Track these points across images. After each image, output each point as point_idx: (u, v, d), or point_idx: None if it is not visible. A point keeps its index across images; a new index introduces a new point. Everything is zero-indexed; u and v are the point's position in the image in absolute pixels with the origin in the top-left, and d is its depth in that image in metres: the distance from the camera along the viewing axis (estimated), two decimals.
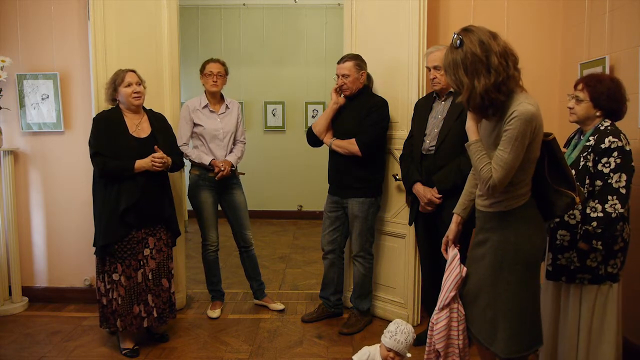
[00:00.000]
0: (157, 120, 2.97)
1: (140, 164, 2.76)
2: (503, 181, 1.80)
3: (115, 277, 2.78)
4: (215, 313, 3.43)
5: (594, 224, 2.16)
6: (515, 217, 1.89)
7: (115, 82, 2.83)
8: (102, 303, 2.84)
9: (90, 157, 2.77)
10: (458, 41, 1.77)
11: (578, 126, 2.38)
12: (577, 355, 2.30)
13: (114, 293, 2.79)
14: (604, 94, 2.21)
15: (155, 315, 2.87)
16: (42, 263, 3.69)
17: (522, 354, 1.90)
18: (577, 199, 1.92)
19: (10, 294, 3.56)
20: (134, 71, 2.86)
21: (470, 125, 1.92)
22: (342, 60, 3.11)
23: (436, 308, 2.07)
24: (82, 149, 3.49)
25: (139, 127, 2.87)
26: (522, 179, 1.87)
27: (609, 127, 2.21)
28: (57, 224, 3.65)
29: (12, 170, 3.50)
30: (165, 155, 2.82)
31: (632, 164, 2.16)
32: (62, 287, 3.68)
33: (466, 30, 1.79)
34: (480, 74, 1.74)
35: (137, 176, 2.76)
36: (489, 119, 1.90)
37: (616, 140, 2.14)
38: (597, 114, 2.24)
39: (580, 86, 2.28)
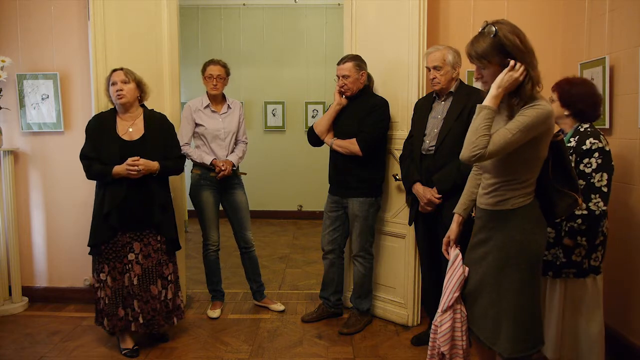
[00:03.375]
0: (154, 122, 2.89)
1: (117, 170, 2.70)
2: (492, 157, 1.80)
3: (102, 276, 2.79)
4: (215, 313, 3.43)
5: (579, 221, 2.27)
6: (520, 216, 1.89)
7: (106, 83, 2.85)
8: (95, 299, 2.87)
9: (80, 157, 2.80)
10: (493, 33, 1.78)
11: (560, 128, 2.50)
12: (561, 344, 2.39)
13: (102, 292, 2.81)
14: (573, 95, 2.35)
15: (141, 321, 2.80)
16: (42, 263, 3.69)
17: (526, 353, 1.89)
18: (580, 200, 1.95)
19: (10, 294, 3.56)
20: (121, 69, 2.82)
21: (497, 93, 1.80)
22: (342, 61, 3.10)
23: (439, 310, 2.05)
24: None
25: (130, 129, 2.82)
26: (529, 177, 1.89)
27: (589, 129, 2.33)
28: (57, 224, 3.65)
29: (12, 170, 3.50)
30: (144, 162, 2.72)
31: (612, 163, 2.29)
32: (62, 287, 3.68)
33: (500, 23, 1.81)
34: (524, 61, 1.77)
35: (120, 180, 2.71)
36: (509, 112, 1.87)
37: (597, 141, 2.26)
38: (566, 113, 2.39)
39: (553, 88, 2.44)
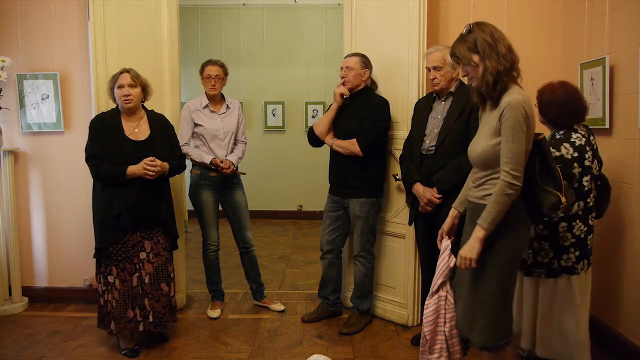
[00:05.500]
0: (157, 122, 2.90)
1: (133, 170, 2.68)
2: (516, 169, 1.86)
3: (110, 279, 2.75)
4: (215, 313, 3.43)
5: (541, 226, 2.38)
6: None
7: (111, 82, 2.80)
8: (99, 303, 2.83)
9: (85, 160, 2.74)
10: (468, 30, 1.95)
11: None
12: (535, 341, 2.48)
13: (109, 295, 2.77)
14: (545, 103, 2.40)
15: (152, 319, 2.81)
16: (42, 263, 3.69)
17: (497, 342, 1.98)
18: (563, 200, 1.98)
19: (10, 294, 3.56)
20: (128, 72, 2.79)
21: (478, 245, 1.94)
22: (350, 54, 3.15)
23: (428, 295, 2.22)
24: (82, 149, 3.48)
25: (136, 130, 2.82)
26: None
27: (557, 137, 2.38)
28: (57, 223, 3.65)
29: (12, 170, 3.50)
30: (160, 163, 2.74)
31: (574, 170, 2.32)
32: (62, 287, 3.68)
33: (478, 23, 1.96)
34: (492, 58, 1.89)
35: (132, 180, 2.70)
36: (490, 108, 1.99)
37: (554, 150, 2.31)
38: (542, 119, 2.46)
39: (536, 94, 2.49)
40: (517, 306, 2.53)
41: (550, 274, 2.42)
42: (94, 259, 2.84)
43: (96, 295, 2.85)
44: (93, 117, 2.94)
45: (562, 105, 2.37)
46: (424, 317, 2.21)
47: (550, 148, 2.28)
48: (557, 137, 2.38)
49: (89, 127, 2.79)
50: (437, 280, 2.17)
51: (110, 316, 2.78)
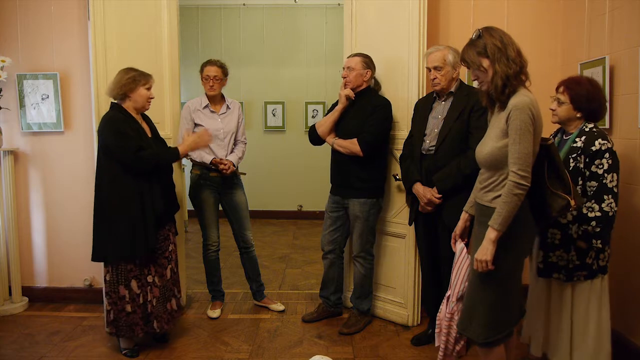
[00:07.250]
0: (149, 120, 2.95)
1: (184, 147, 2.88)
2: (524, 169, 1.86)
3: (149, 279, 2.78)
4: (215, 313, 3.43)
5: (593, 223, 2.25)
6: None
7: (141, 81, 2.74)
8: (125, 311, 2.73)
9: (134, 153, 2.62)
10: (477, 35, 1.96)
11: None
12: (571, 346, 2.37)
13: (149, 295, 2.77)
14: (583, 96, 2.32)
15: (183, 304, 2.99)
16: (42, 263, 3.69)
17: (498, 336, 2.00)
18: (572, 202, 1.99)
19: (10, 294, 3.56)
20: None
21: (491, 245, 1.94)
22: (352, 54, 3.16)
23: (452, 299, 2.21)
24: (82, 149, 3.51)
25: (145, 128, 2.87)
26: None
27: (595, 130, 2.31)
28: (57, 223, 3.65)
29: (12, 170, 3.50)
30: None
31: (619, 162, 2.30)
32: (62, 287, 3.68)
33: (487, 28, 1.98)
34: (501, 62, 1.91)
35: (165, 175, 2.86)
36: (498, 111, 2.02)
37: (605, 142, 2.26)
38: (578, 115, 2.35)
39: (561, 89, 2.39)
40: (545, 315, 2.46)
41: (589, 276, 2.32)
42: (100, 269, 2.86)
43: (121, 304, 2.73)
44: (103, 118, 2.75)
45: (600, 96, 2.34)
46: (452, 321, 2.22)
47: (600, 139, 2.25)
48: (594, 129, 2.30)
49: (116, 127, 2.66)
50: (463, 284, 2.18)
51: (152, 316, 2.79)
